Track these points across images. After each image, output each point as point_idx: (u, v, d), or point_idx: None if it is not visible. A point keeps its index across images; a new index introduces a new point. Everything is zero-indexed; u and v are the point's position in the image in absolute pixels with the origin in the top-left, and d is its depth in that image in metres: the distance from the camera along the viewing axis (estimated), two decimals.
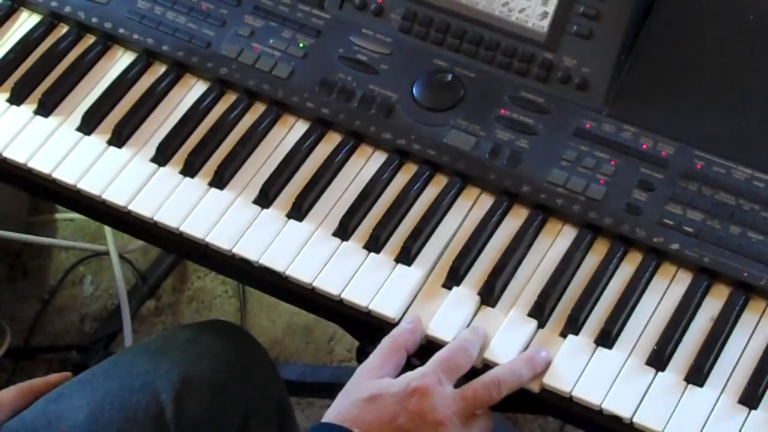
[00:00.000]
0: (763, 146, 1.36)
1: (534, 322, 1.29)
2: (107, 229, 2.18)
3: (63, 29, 1.52)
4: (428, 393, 1.20)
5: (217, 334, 1.41)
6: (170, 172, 1.40)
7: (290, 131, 1.43)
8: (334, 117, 1.42)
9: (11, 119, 1.45)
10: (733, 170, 1.35)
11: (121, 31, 1.48)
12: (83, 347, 2.16)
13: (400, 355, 1.25)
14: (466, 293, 1.31)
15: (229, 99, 1.45)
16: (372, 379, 1.23)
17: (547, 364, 1.26)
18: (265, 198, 1.38)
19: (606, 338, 1.27)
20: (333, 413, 1.21)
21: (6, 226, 2.16)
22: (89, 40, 1.51)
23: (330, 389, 1.95)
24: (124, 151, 1.42)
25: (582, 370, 1.25)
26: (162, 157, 1.41)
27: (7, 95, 1.46)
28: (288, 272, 1.32)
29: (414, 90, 1.42)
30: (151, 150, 1.42)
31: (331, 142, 1.42)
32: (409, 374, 1.23)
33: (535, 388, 1.25)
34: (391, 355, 1.25)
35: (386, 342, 1.27)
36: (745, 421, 1.22)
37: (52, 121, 1.44)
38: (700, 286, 1.30)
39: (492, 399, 1.23)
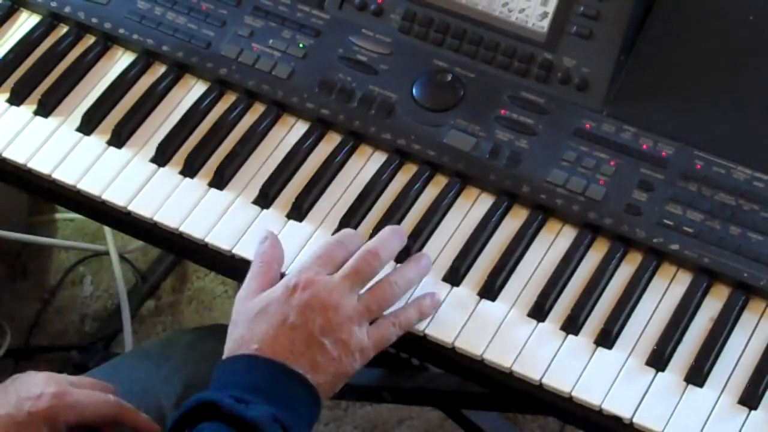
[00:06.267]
0: (763, 146, 1.36)
1: (534, 322, 1.29)
2: (107, 229, 2.17)
3: (63, 29, 1.52)
4: (309, 284, 1.21)
5: (219, 338, 1.40)
6: (170, 173, 1.40)
7: (290, 131, 1.43)
8: (334, 117, 1.42)
9: (11, 119, 1.45)
10: (733, 170, 1.35)
11: (121, 31, 1.48)
12: (83, 347, 2.16)
13: (273, 271, 1.26)
14: (465, 293, 1.31)
15: (229, 99, 1.45)
16: (252, 300, 1.23)
17: (428, 267, 1.29)
18: (265, 198, 1.38)
19: (606, 338, 1.27)
20: (228, 346, 1.21)
21: (6, 226, 2.16)
22: (89, 40, 1.50)
23: None
24: (124, 152, 1.42)
25: (582, 370, 1.25)
26: (162, 157, 1.41)
27: (7, 95, 1.46)
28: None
29: (414, 90, 1.42)
30: (151, 150, 1.42)
31: (331, 142, 1.42)
32: (287, 275, 1.24)
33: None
34: (264, 273, 1.25)
35: (255, 265, 1.26)
36: (745, 421, 1.22)
37: (52, 121, 1.44)
38: (700, 286, 1.30)
39: (388, 295, 1.24)
